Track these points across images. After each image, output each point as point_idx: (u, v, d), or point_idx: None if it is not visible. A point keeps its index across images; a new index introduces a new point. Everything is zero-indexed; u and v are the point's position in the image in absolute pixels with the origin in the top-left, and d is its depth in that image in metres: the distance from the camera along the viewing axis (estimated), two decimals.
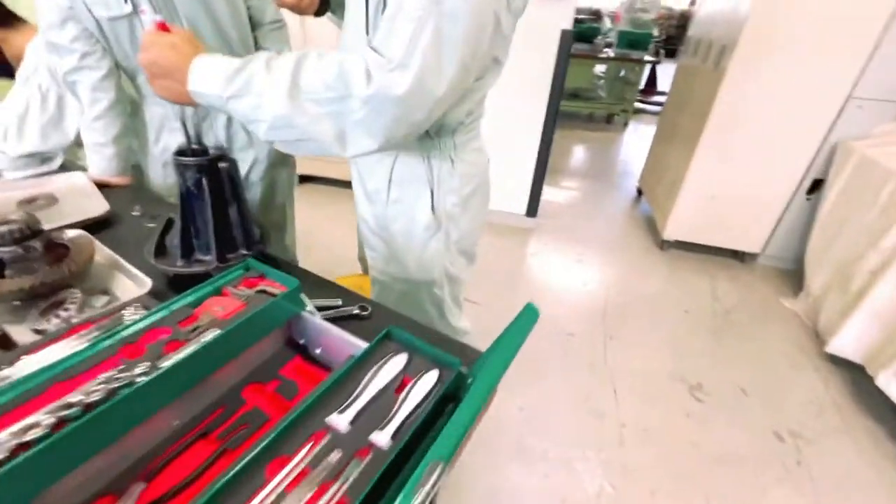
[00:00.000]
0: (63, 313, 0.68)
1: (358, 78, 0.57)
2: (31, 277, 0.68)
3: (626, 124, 5.03)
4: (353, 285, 1.30)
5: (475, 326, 1.12)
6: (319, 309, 0.74)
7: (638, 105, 5.33)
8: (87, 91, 1.02)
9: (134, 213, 1.01)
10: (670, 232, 2.49)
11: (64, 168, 1.22)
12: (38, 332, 0.66)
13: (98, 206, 0.99)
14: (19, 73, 1.15)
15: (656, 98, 5.53)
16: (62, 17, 0.96)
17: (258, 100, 0.59)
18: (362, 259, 1.37)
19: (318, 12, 0.91)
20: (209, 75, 0.61)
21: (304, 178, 3.16)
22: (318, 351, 0.63)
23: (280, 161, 1.35)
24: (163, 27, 0.64)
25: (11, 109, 1.12)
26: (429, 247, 0.88)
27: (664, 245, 2.57)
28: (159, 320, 0.52)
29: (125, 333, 0.50)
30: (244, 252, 0.78)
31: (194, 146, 0.71)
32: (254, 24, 1.24)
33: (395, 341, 0.55)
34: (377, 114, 0.58)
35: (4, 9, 1.24)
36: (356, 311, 0.74)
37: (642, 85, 5.28)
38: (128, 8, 0.99)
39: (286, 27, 1.33)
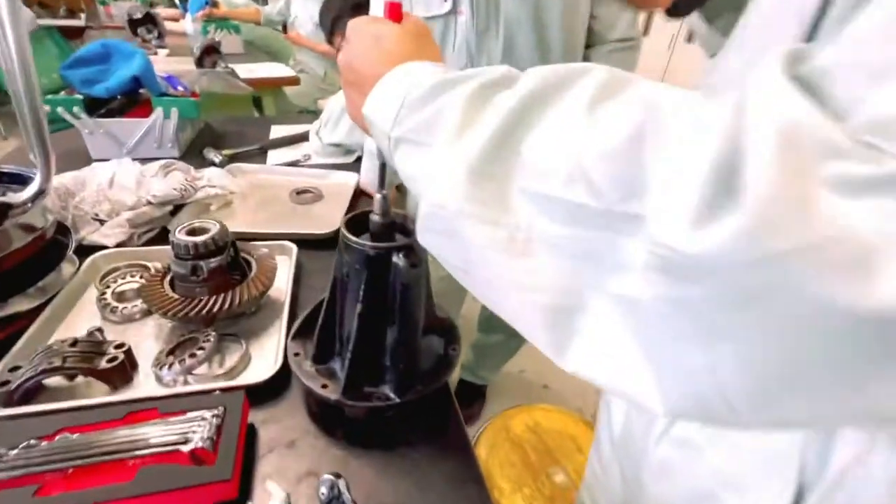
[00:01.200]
0: (177, 366, 0.53)
1: (697, 173, 0.16)
2: (173, 304, 0.56)
3: None
4: (566, 430, 0.84)
5: None
6: None
7: None
8: None
9: None
10: None
11: (358, 160, 1.23)
12: (158, 377, 0.54)
13: (332, 221, 0.87)
14: None
15: None
16: None
17: (432, 158, 0.27)
18: None
19: (680, 9, 0.47)
20: (390, 93, 0.31)
21: None
22: None
23: None
24: (394, 11, 0.36)
25: (339, 100, 1.17)
26: None
27: None
28: None
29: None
30: (389, 394, 0.47)
31: (383, 216, 0.42)
32: (592, 40, 0.90)
33: None
34: (679, 309, 0.17)
35: None
36: None
37: None
38: (447, 6, 0.81)
39: (638, 49, 0.93)
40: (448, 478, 0.47)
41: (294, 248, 0.76)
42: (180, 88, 1.14)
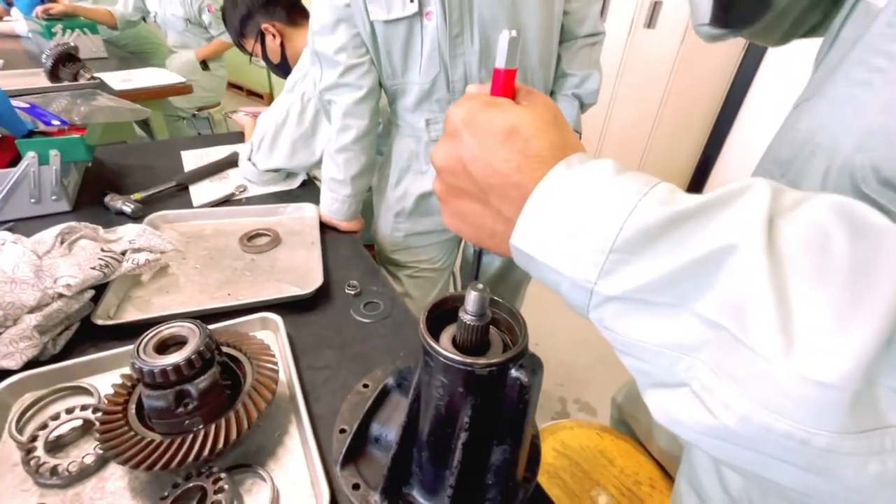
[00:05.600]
0: None
1: None
2: (159, 452, 0.41)
3: None
4: (592, 444, 0.82)
5: None
6: None
7: None
8: (339, 116, 0.79)
9: (348, 291, 0.73)
10: None
11: (304, 185, 1.07)
12: None
13: (311, 276, 0.74)
14: (289, 79, 1.01)
15: None
16: (336, 18, 0.73)
17: (728, 344, 0.19)
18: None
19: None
20: (568, 222, 0.22)
21: None
22: None
23: None
24: (508, 82, 0.27)
25: (272, 117, 0.99)
26: None
27: None
28: None
29: None
30: None
31: (479, 317, 0.32)
32: (563, 36, 0.84)
33: None
34: None
35: (300, 6, 1.14)
36: None
37: None
38: (412, 8, 0.69)
39: (602, 43, 0.90)
40: None
41: (280, 320, 0.62)
42: (55, 123, 0.88)
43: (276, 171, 1.03)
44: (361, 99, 0.77)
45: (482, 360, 0.30)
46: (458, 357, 0.31)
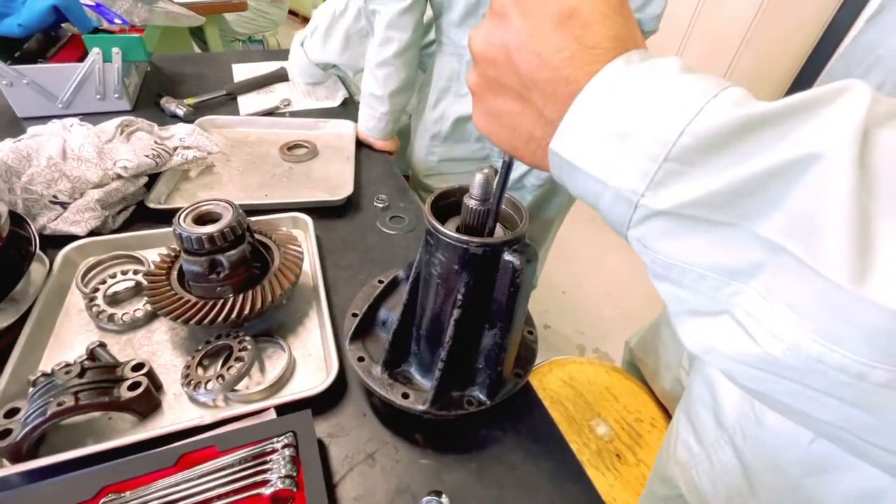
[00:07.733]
0: (215, 384, 0.44)
1: None
2: (194, 309, 0.47)
3: None
4: (599, 380, 0.84)
5: None
6: None
7: None
8: (382, 27, 0.78)
9: (376, 204, 0.75)
10: None
11: (345, 104, 1.08)
12: (192, 397, 0.45)
13: (343, 186, 0.76)
14: None
15: None
16: None
17: (785, 267, 0.17)
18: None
19: None
20: (618, 122, 0.20)
21: None
22: None
23: None
24: None
25: (331, 6, 0.97)
26: None
27: None
28: None
29: None
30: (480, 397, 0.41)
31: (482, 201, 0.33)
32: None
33: None
34: None
35: None
36: None
37: None
38: None
39: None
40: (551, 476, 0.43)
41: (309, 220, 0.66)
42: (117, 21, 0.92)
43: (324, 69, 1.03)
44: (406, 10, 0.75)
45: (477, 239, 0.32)
46: (454, 234, 0.32)
